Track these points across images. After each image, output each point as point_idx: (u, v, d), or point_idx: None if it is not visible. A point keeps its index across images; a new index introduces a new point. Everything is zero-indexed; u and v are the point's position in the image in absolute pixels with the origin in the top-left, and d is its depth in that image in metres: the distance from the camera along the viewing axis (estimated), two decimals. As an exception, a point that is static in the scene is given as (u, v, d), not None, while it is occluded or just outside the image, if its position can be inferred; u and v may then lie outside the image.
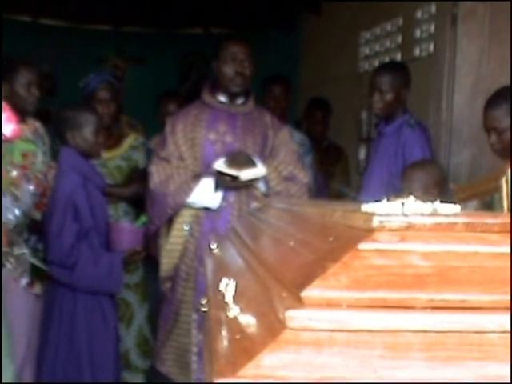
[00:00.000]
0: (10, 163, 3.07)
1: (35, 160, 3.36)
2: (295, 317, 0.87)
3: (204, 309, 1.53)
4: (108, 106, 3.87)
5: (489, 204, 2.62)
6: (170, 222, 3.48)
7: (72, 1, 8.21)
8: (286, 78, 4.77)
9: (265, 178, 3.43)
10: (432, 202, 1.14)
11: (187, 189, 3.37)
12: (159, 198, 3.41)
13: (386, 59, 5.30)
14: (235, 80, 3.45)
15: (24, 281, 3.22)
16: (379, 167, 3.57)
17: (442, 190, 3.14)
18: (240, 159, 3.35)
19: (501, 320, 0.89)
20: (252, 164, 3.35)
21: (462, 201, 2.70)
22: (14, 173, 2.99)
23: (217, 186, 3.35)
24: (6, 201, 2.91)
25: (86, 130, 3.24)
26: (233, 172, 3.29)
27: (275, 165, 3.49)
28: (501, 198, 2.40)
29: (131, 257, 3.33)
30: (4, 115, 1.86)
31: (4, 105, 1.87)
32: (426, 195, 2.87)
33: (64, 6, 8.36)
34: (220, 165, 3.31)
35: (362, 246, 0.94)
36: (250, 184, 3.38)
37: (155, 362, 3.62)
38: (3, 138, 1.85)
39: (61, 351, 3.17)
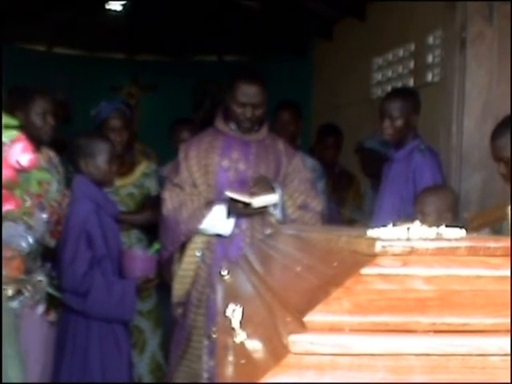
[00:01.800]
0: (27, 192, 3.09)
1: (50, 188, 3.38)
2: (298, 341, 0.88)
3: (214, 335, 1.53)
4: (120, 134, 3.89)
5: (499, 232, 2.61)
6: (183, 247, 3.48)
7: (86, 30, 8.31)
8: (294, 104, 4.74)
9: (282, 205, 3.43)
10: (438, 226, 1.15)
11: (200, 216, 3.38)
12: (172, 225, 3.43)
13: (399, 85, 5.31)
14: (243, 122, 3.45)
15: (40, 308, 3.22)
16: (390, 193, 3.56)
17: (455, 214, 3.15)
18: (264, 182, 3.36)
19: (503, 343, 0.89)
20: (271, 190, 3.37)
21: (475, 230, 2.70)
22: (29, 202, 3.01)
23: (229, 213, 3.36)
24: (19, 229, 2.93)
25: (100, 159, 3.26)
26: (245, 199, 3.30)
27: (290, 193, 3.50)
28: (508, 226, 2.40)
29: (144, 284, 3.33)
30: (20, 145, 1.89)
31: (21, 134, 1.90)
32: (440, 220, 2.88)
33: (78, 35, 8.47)
34: (232, 191, 3.32)
35: (365, 270, 0.95)
36: (262, 211, 3.39)
37: (167, 388, 3.62)
38: (20, 167, 1.88)
39: (74, 378, 3.17)
